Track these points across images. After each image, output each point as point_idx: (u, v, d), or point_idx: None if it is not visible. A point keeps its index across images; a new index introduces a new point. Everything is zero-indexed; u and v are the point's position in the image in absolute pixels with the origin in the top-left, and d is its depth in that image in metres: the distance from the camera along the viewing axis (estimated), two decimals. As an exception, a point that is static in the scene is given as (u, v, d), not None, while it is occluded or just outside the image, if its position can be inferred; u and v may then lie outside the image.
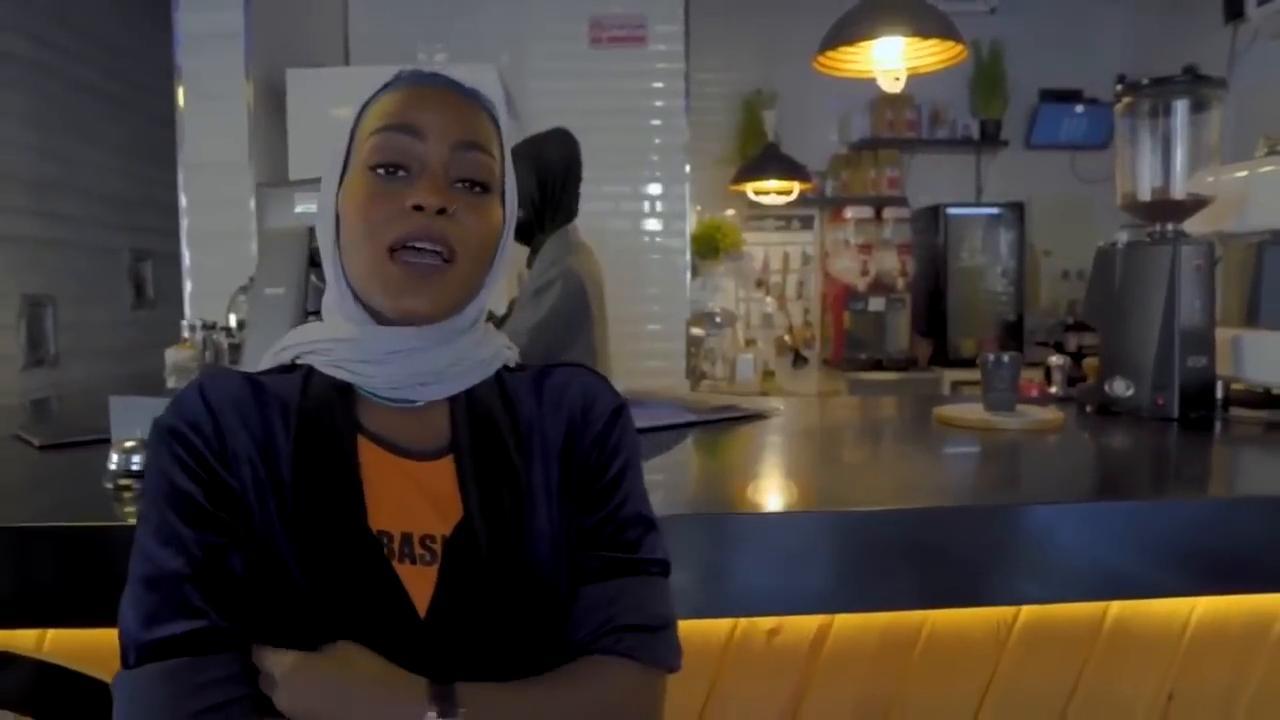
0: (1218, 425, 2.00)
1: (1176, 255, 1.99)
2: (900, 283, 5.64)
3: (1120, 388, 2.08)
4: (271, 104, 3.50)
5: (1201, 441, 1.88)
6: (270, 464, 0.83)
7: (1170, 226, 2.06)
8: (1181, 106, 2.03)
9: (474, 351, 0.90)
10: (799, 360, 5.73)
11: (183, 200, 3.46)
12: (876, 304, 5.57)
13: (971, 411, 2.04)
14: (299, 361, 0.90)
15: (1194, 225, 2.08)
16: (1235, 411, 2.12)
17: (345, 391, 0.88)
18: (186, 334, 2.82)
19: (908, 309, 5.61)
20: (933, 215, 5.58)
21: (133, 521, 1.22)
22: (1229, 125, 2.15)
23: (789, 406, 2.41)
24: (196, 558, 0.79)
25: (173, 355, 2.55)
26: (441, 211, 0.83)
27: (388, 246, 0.83)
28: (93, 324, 4.28)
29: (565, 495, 0.88)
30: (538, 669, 0.82)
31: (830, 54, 2.93)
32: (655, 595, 0.88)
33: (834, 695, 1.34)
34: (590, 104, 4.24)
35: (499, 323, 2.52)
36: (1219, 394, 2.13)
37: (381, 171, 0.85)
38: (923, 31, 2.75)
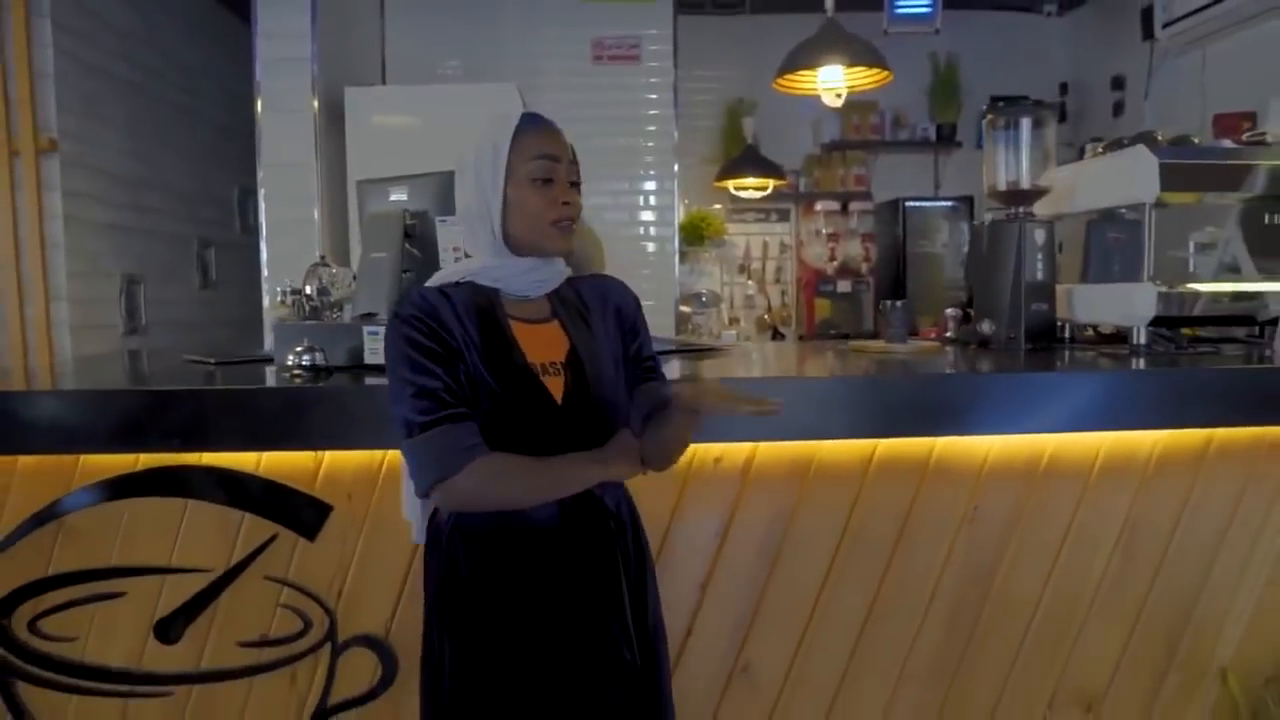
0: (1066, 354, 2.73)
1: (1024, 230, 2.75)
2: (864, 268, 6.40)
3: (986, 326, 2.84)
4: (332, 115, 4.26)
5: (1031, 358, 2.62)
6: (466, 333, 1.49)
7: (1021, 209, 2.81)
8: (1026, 123, 2.78)
9: (559, 271, 1.60)
10: (777, 336, 6.48)
11: (261, 195, 4.20)
12: (844, 286, 6.32)
13: (876, 344, 2.80)
14: (461, 282, 1.60)
15: (1040, 208, 2.84)
16: (1074, 345, 2.88)
17: (494, 294, 1.56)
18: (280, 298, 3.57)
19: (872, 291, 6.36)
20: (894, 208, 6.34)
21: (311, 385, 1.99)
22: (1146, 124, 2.89)
23: (751, 346, 3.18)
24: (443, 378, 1.45)
25: (274, 314, 3.28)
26: (568, 203, 1.51)
27: (552, 221, 1.50)
28: (170, 300, 5.04)
29: (618, 338, 1.64)
30: (613, 427, 1.58)
31: (787, 77, 3.70)
32: (668, 383, 1.65)
33: (759, 499, 2.10)
34: (593, 113, 5.03)
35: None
36: (1067, 334, 2.90)
37: (541, 182, 1.50)
38: (856, 60, 3.52)
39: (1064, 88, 6.62)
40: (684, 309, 5.57)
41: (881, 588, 2.14)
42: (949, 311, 3.23)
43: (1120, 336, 2.91)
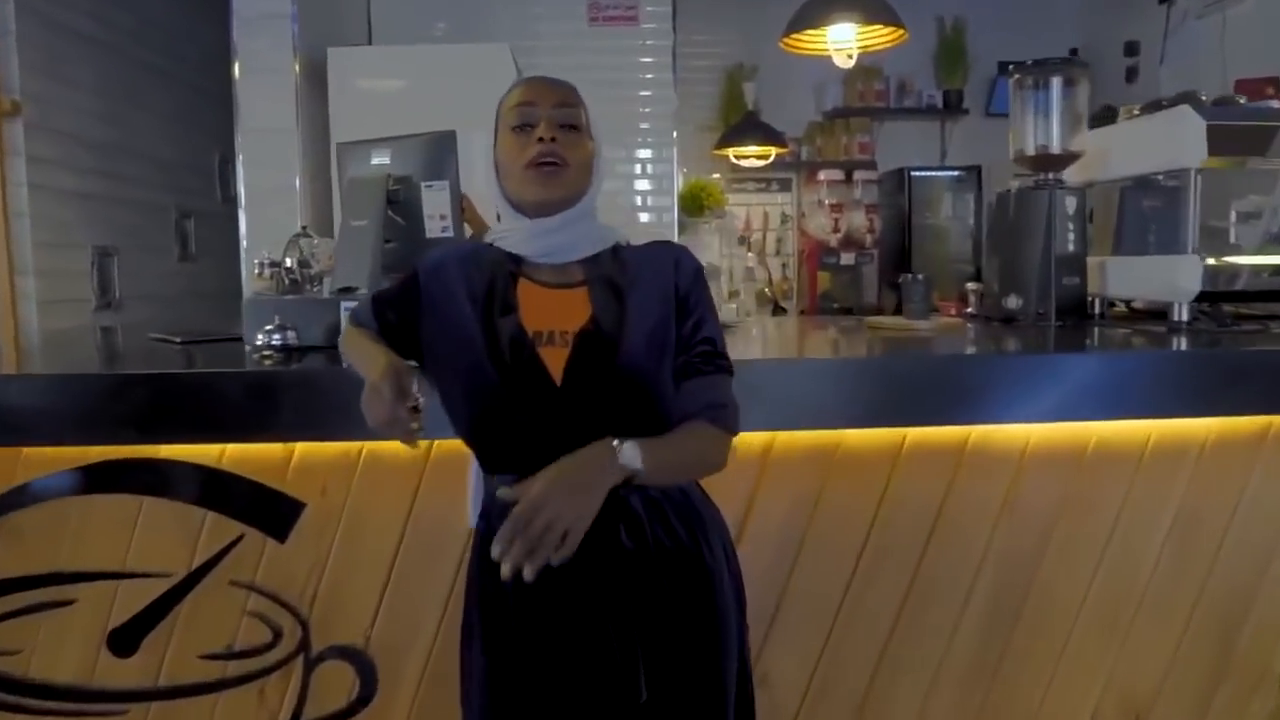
0: (1099, 332, 2.55)
1: (1054, 198, 2.55)
2: (868, 239, 6.20)
3: (1013, 301, 2.65)
4: (314, 77, 4.03)
5: (1064, 337, 2.44)
6: (472, 289, 1.41)
7: (1050, 176, 2.61)
8: (1057, 82, 2.58)
9: (591, 233, 1.44)
10: (778, 310, 6.28)
11: (239, 161, 3.97)
12: (847, 259, 6.12)
13: (895, 320, 2.61)
14: (493, 244, 1.47)
15: (1071, 175, 2.64)
16: (1108, 322, 2.69)
17: (515, 258, 1.43)
18: (257, 271, 3.36)
19: (876, 263, 6.16)
20: (899, 178, 6.12)
21: (279, 368, 1.79)
22: (1164, 93, 2.69)
23: (754, 322, 2.98)
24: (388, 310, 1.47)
25: (252, 287, 3.07)
26: (554, 140, 1.37)
27: (526, 164, 1.37)
28: (147, 274, 4.81)
29: (664, 313, 1.42)
30: (635, 421, 1.35)
31: (795, 36, 3.48)
32: (729, 387, 1.45)
33: (778, 490, 1.91)
34: (588, 76, 4.64)
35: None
36: (1097, 310, 2.70)
37: (517, 130, 1.40)
38: (869, 18, 3.30)
39: (1074, 53, 6.37)
40: (682, 282, 5.35)
41: (912, 588, 1.96)
42: (970, 286, 3.03)
43: (1154, 312, 2.72)
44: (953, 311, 3.01)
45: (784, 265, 6.47)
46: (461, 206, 2.51)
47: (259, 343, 1.99)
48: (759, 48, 6.10)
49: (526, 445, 1.34)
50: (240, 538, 1.85)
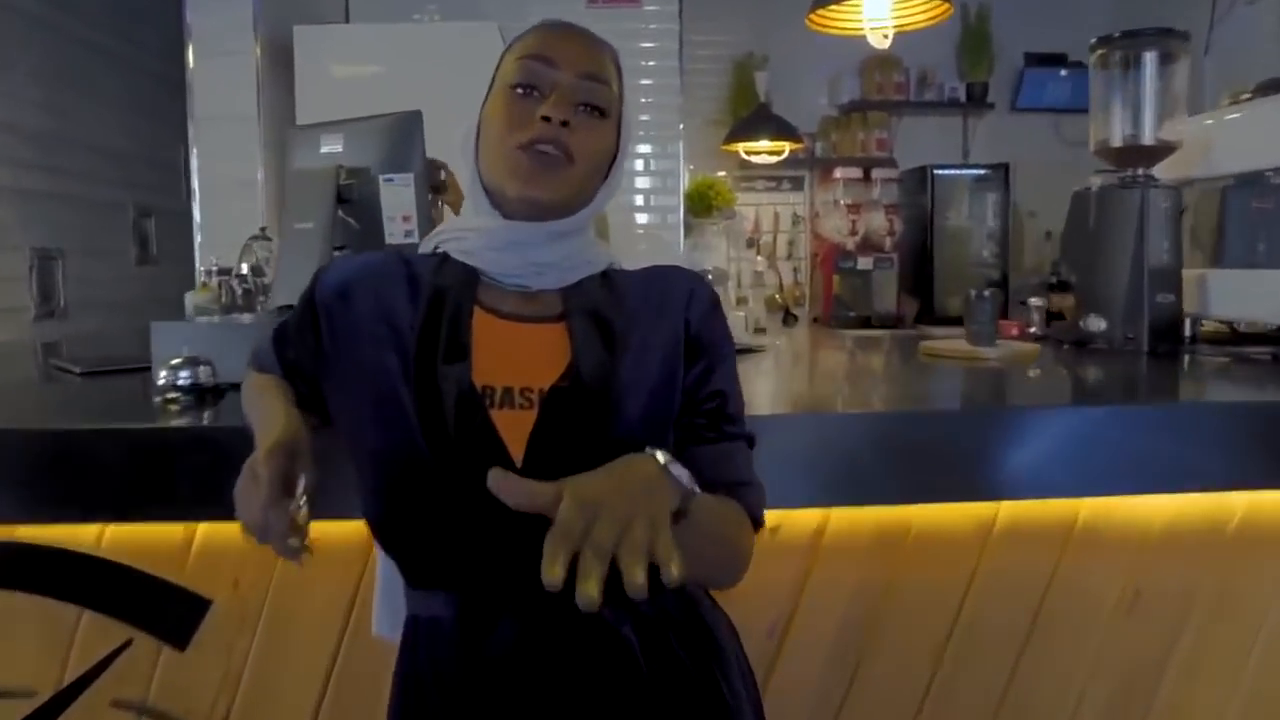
0: (1185, 358, 2.13)
1: (1146, 198, 2.12)
2: (888, 242, 5.75)
3: (1094, 323, 2.21)
4: (279, 60, 3.58)
5: (1168, 369, 2.00)
6: (397, 321, 1.00)
7: (1141, 171, 2.18)
8: (1151, 58, 2.14)
9: (582, 251, 1.05)
10: (789, 318, 5.83)
11: (194, 153, 3.53)
12: (865, 263, 5.65)
13: (955, 345, 2.17)
14: (439, 249, 1.06)
15: (1162, 171, 2.20)
16: (1202, 348, 2.26)
17: (473, 275, 1.03)
18: (203, 279, 2.93)
19: (895, 268, 5.70)
20: (920, 176, 5.68)
21: (179, 425, 1.35)
22: (1208, 87, 2.26)
23: (783, 344, 2.54)
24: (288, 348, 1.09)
25: (192, 299, 2.64)
26: (565, 124, 0.97)
27: (518, 145, 0.97)
28: (98, 278, 4.35)
29: (669, 360, 1.01)
30: None
31: (822, 12, 3.03)
32: (750, 461, 1.04)
33: (832, 585, 1.47)
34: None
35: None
36: (1187, 332, 2.26)
37: (520, 90, 1.00)
38: (911, -11, 2.85)
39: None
40: (688, 288, 4.91)
41: (1005, 700, 1.52)
42: (1034, 302, 2.59)
43: (1258, 335, 2.29)
44: (1014, 332, 2.56)
45: (795, 269, 6.02)
46: (443, 182, 2.08)
47: (161, 381, 1.53)
48: (770, 35, 5.65)
49: (465, 550, 0.94)
50: (127, 644, 1.41)
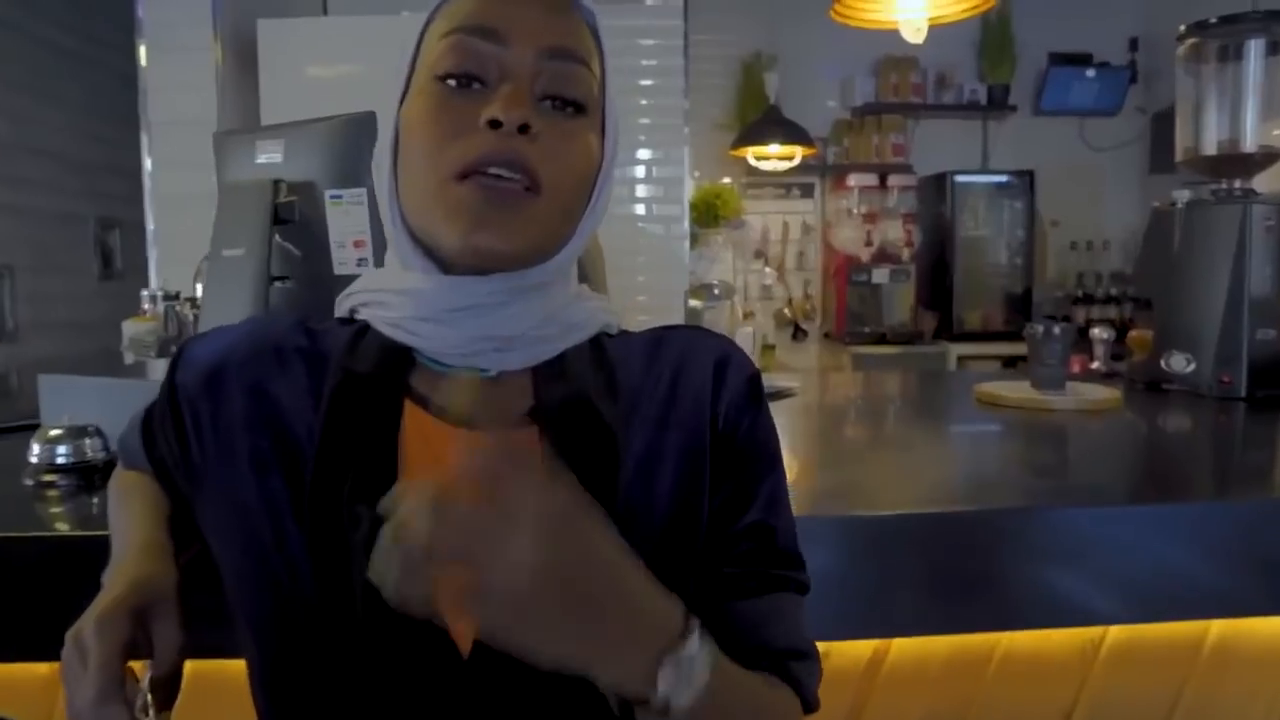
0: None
1: (1247, 215, 1.80)
2: (905, 253, 5.44)
3: (1180, 363, 1.88)
4: (242, 58, 3.26)
5: (1275, 423, 1.68)
6: (285, 437, 0.69)
7: (1239, 184, 1.85)
8: (1255, 47, 1.81)
9: (564, 312, 0.71)
10: (799, 333, 5.54)
11: (147, 162, 3.22)
12: (880, 275, 5.35)
13: (1018, 389, 1.83)
14: (357, 316, 0.74)
15: (1265, 182, 1.88)
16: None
17: (402, 353, 0.71)
18: (147, 305, 2.60)
19: (912, 281, 5.39)
20: (939, 183, 5.39)
21: (61, 530, 1.02)
22: None
23: (807, 384, 2.21)
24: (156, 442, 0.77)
25: (130, 328, 2.34)
26: (524, 130, 0.65)
27: (456, 172, 0.65)
28: (54, 296, 4.06)
29: (693, 474, 0.69)
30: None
31: (847, 3, 2.71)
32: (804, 618, 0.72)
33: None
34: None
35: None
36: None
37: (452, 82, 0.68)
38: (950, -24, 2.53)
39: (1134, 44, 5.67)
40: (694, 303, 4.59)
41: None
42: (1097, 333, 2.25)
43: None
44: (1075, 369, 2.23)
45: (806, 282, 5.70)
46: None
47: (34, 458, 1.19)
48: (779, 34, 5.37)
49: None
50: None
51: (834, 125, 5.62)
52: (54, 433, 1.21)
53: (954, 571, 1.08)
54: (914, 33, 2.73)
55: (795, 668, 0.68)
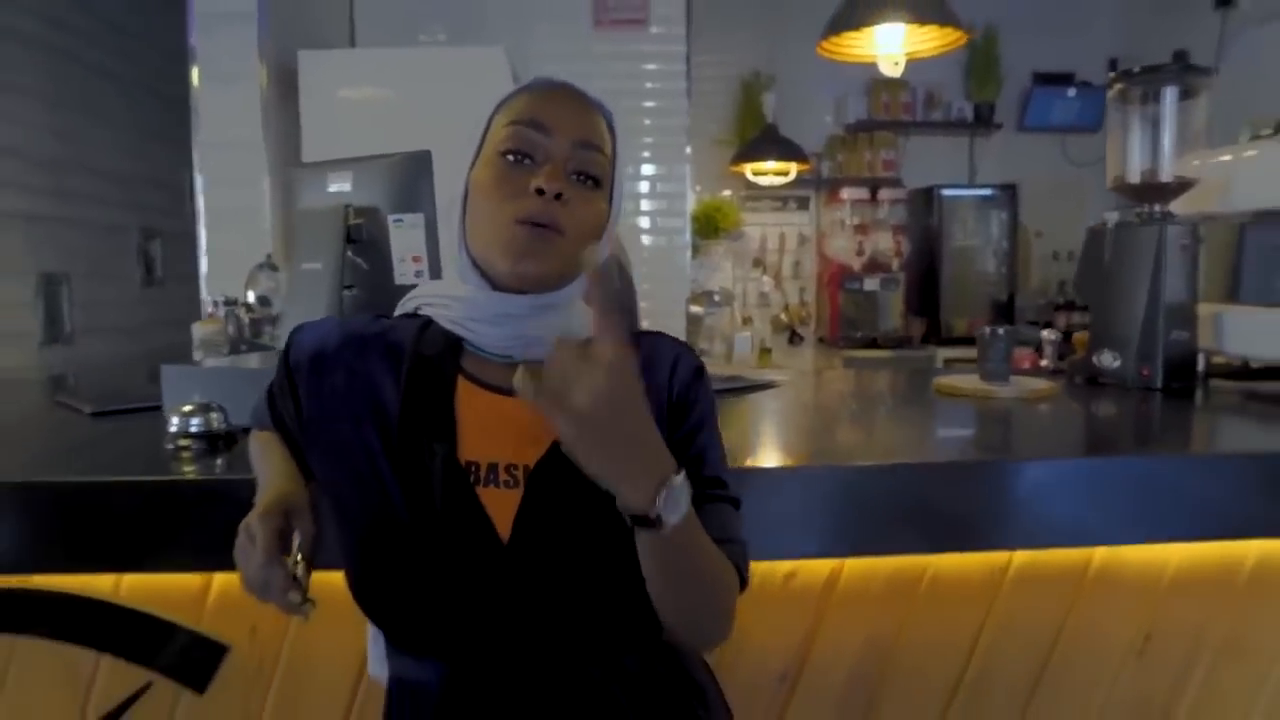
0: (1199, 395, 2.12)
1: (1163, 235, 2.11)
2: (895, 263, 5.75)
3: (1108, 359, 2.20)
4: (284, 85, 3.58)
5: (1183, 409, 1.99)
6: (374, 400, 0.98)
7: (1158, 208, 2.17)
8: (1170, 93, 2.13)
9: (573, 321, 1.00)
10: (795, 338, 5.84)
11: (198, 179, 3.52)
12: (871, 284, 5.66)
13: (970, 381, 2.15)
14: (421, 312, 1.04)
15: (1179, 206, 2.19)
16: (1215, 383, 2.25)
17: (456, 343, 1.00)
18: (210, 309, 2.91)
19: (901, 288, 5.70)
20: (927, 196, 5.68)
21: (193, 476, 1.34)
22: (1218, 109, 2.25)
23: (792, 378, 2.53)
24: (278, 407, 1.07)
25: (199, 330, 2.63)
26: (558, 197, 0.95)
27: (511, 221, 0.95)
28: (105, 302, 4.35)
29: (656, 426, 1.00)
30: (614, 589, 0.93)
31: (834, 39, 3.03)
32: (737, 521, 1.02)
33: (845, 632, 1.46)
34: (592, 85, 4.30)
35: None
36: (1200, 366, 2.25)
37: (511, 158, 0.97)
38: (922, 18, 2.85)
39: (1113, 64, 5.93)
40: (694, 309, 4.91)
41: (1017, 750, 1.51)
42: (1046, 335, 2.58)
43: (1272, 370, 2.27)
44: (1026, 365, 2.55)
45: (801, 289, 6.02)
46: None
47: (172, 428, 1.52)
48: (777, 55, 5.68)
49: (449, 623, 0.94)
50: (146, 688, 1.40)
51: (828, 141, 5.93)
52: (186, 408, 1.53)
53: (897, 507, 1.41)
54: (892, 66, 3.05)
55: (731, 550, 0.98)
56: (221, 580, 1.39)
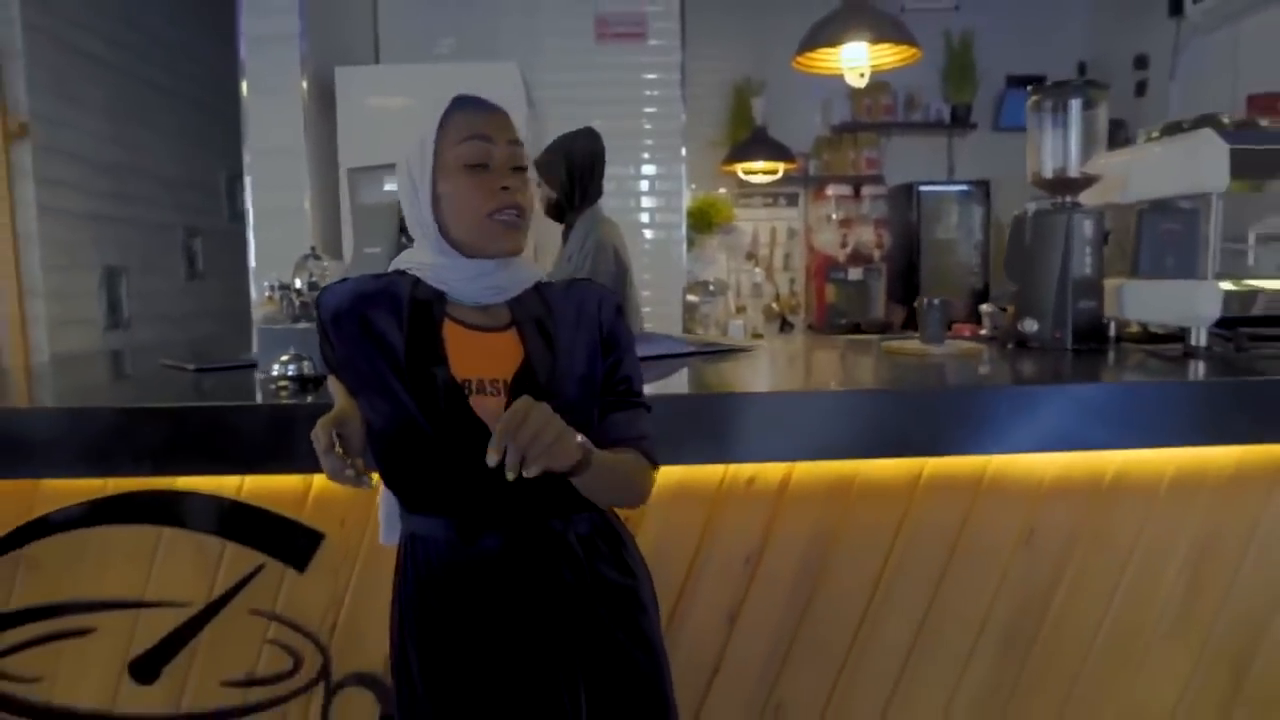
0: (1110, 355, 2.54)
1: (1072, 221, 2.54)
2: (877, 254, 6.18)
3: (1029, 325, 2.63)
4: (323, 97, 4.03)
5: (1080, 362, 2.41)
6: (381, 341, 1.33)
7: (1068, 199, 2.60)
8: (1076, 104, 2.56)
9: (523, 273, 1.39)
10: (785, 325, 6.27)
11: (248, 181, 3.97)
12: (855, 274, 6.09)
13: (910, 344, 2.60)
14: (409, 273, 1.38)
15: (1087, 198, 2.63)
16: (1124, 345, 2.68)
17: (440, 294, 1.36)
18: (267, 293, 3.35)
19: (884, 278, 6.14)
20: (907, 192, 6.11)
21: (295, 402, 1.78)
22: (1173, 109, 2.68)
23: (767, 345, 2.97)
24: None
25: (260, 310, 3.07)
26: (506, 188, 1.30)
27: (488, 214, 1.29)
28: (155, 293, 4.81)
29: (590, 354, 1.40)
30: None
31: (807, 55, 3.48)
32: (648, 422, 1.44)
33: (795, 525, 1.90)
34: (595, 94, 4.80)
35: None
36: (1112, 332, 2.69)
37: (472, 169, 1.29)
38: (882, 37, 3.30)
39: (1082, 68, 6.35)
40: (691, 298, 5.35)
41: (928, 617, 1.95)
42: (985, 308, 3.02)
43: (1170, 335, 2.70)
44: (967, 334, 2.99)
45: (791, 280, 6.46)
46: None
47: (274, 373, 1.98)
48: (766, 62, 6.10)
49: (452, 490, 1.33)
50: (260, 568, 1.85)
51: (815, 141, 6.37)
52: (285, 358, 1.99)
53: (835, 425, 1.84)
54: (857, 78, 3.50)
55: (643, 444, 1.38)
56: (319, 482, 1.83)
